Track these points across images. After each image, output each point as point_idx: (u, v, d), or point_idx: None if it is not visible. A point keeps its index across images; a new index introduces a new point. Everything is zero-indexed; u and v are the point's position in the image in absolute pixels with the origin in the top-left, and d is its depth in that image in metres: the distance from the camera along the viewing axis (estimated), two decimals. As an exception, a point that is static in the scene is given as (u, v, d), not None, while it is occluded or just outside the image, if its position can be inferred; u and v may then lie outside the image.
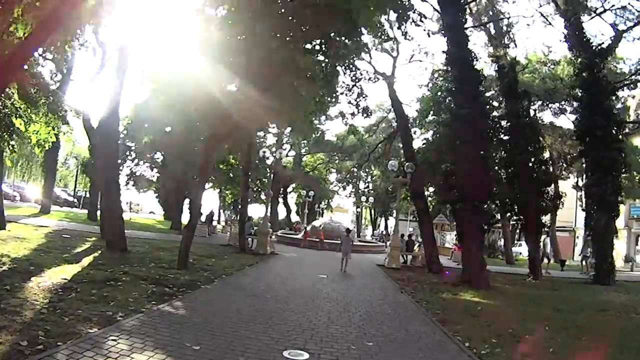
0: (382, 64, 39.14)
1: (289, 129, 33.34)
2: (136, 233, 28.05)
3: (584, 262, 29.98)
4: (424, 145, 31.79)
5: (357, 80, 26.30)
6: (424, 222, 28.70)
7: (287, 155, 62.30)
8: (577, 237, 54.04)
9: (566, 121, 41.00)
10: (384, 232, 70.57)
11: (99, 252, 17.41)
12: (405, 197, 31.98)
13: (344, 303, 13.46)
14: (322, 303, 13.17)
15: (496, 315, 13.12)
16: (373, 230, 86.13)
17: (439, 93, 30.24)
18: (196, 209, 19.39)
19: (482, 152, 21.31)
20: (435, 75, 32.26)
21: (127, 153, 39.79)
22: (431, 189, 33.70)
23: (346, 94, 26.69)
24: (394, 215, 65.29)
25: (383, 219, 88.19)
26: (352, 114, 29.20)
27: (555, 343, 9.84)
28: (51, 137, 24.30)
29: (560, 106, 39.14)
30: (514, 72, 27.20)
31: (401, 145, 35.54)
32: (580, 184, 42.07)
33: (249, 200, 56.40)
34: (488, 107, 23.71)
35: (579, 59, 27.15)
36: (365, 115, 27.89)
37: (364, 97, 26.95)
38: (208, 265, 18.18)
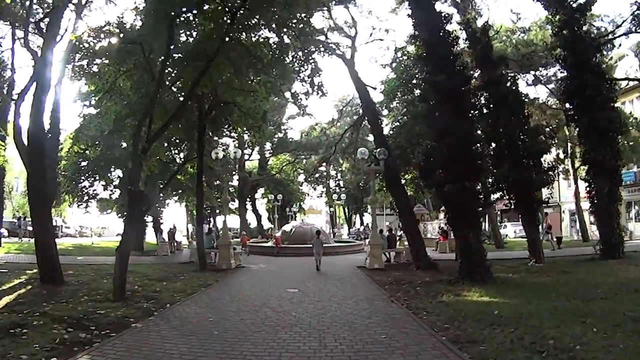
0: (339, 47, 37.27)
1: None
2: (91, 259, 26.12)
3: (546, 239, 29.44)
4: (395, 129, 29.04)
5: (310, 54, 23.14)
6: (405, 213, 25.49)
7: (249, 159, 60.28)
8: (563, 212, 52.74)
9: (541, 93, 39.23)
10: (360, 229, 68.42)
11: (28, 288, 15.31)
12: (380, 188, 28.85)
13: (320, 330, 10.18)
14: (289, 335, 9.84)
15: (520, 319, 10.27)
16: (349, 228, 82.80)
17: (404, 74, 27.82)
18: (129, 225, 15.60)
19: (465, 124, 18.41)
20: (399, 54, 29.30)
21: (79, 173, 36.88)
22: (407, 177, 30.83)
23: (298, 72, 23.59)
24: (369, 210, 63.74)
25: (358, 215, 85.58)
26: (306, 94, 25.79)
27: (623, 353, 7.38)
28: None
29: (536, 75, 37.23)
30: (487, 36, 24.65)
31: (369, 135, 33.36)
32: (562, 156, 40.37)
33: (217, 210, 54.48)
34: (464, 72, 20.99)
35: (557, 16, 24.70)
36: (320, 93, 24.70)
37: (318, 73, 23.82)
38: (154, 292, 15.27)
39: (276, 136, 57.33)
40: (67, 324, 10.15)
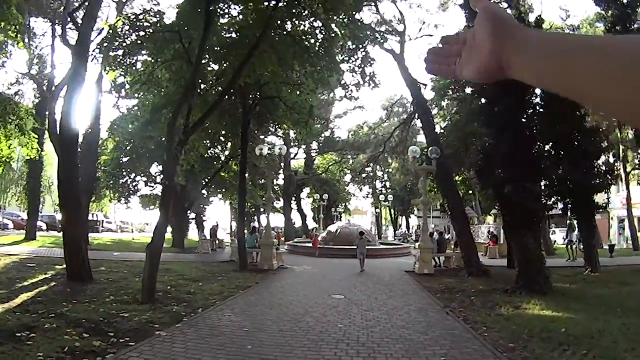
0: (388, 41, 36.21)
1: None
2: (127, 255, 24.82)
3: (569, 248, 28.05)
4: (446, 128, 27.62)
5: (360, 42, 21.76)
6: (457, 216, 23.96)
7: (295, 157, 59.52)
8: (612, 218, 49.69)
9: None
10: (406, 231, 67.08)
11: (52, 284, 14.45)
12: (431, 188, 27.47)
13: (369, 348, 8.88)
14: (334, 352, 8.57)
15: (590, 338, 9.20)
16: (394, 230, 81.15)
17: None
18: (161, 223, 14.47)
19: (526, 120, 17.14)
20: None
21: (119, 168, 36.26)
22: (458, 178, 29.39)
23: (348, 61, 22.20)
24: (416, 212, 62.36)
25: (404, 217, 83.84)
26: (357, 85, 24.35)
27: None
28: (13, 153, 22.18)
29: None
30: (541, 29, 23.06)
31: (418, 135, 32.05)
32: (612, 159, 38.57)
33: (261, 209, 53.79)
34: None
35: (609, 12, 23.44)
36: (372, 85, 23.28)
37: (370, 63, 22.39)
38: (188, 294, 14.19)
39: (323, 135, 56.35)
40: (82, 329, 9.13)
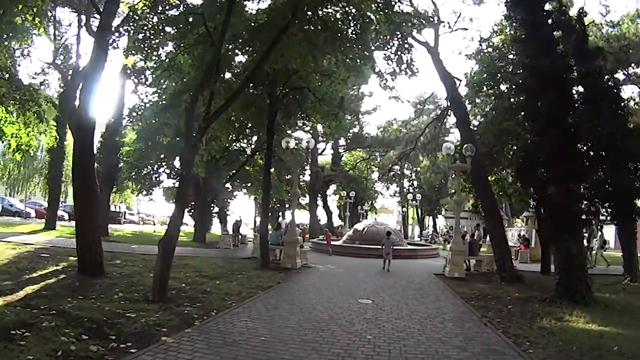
0: (422, 35, 35.60)
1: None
2: (145, 248, 24.07)
3: (589, 254, 25.38)
4: (481, 125, 26.31)
5: (397, 28, 20.56)
6: (492, 217, 22.74)
7: (323, 153, 58.96)
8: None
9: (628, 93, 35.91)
10: (434, 232, 66.06)
11: (61, 277, 13.90)
12: (464, 188, 26.22)
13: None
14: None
15: None
16: (420, 230, 79.79)
17: (491, 66, 24.74)
18: (176, 215, 13.32)
19: (571, 116, 16.18)
20: (484, 45, 26.69)
21: (142, 159, 35.92)
22: (491, 178, 28.14)
23: (383, 48, 21.06)
24: (443, 212, 61.29)
25: (431, 218, 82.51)
26: (393, 73, 23.20)
27: None
28: (33, 141, 21.32)
29: (627, 73, 33.30)
30: (583, 25, 21.72)
31: (450, 132, 30.99)
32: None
33: (286, 205, 53.06)
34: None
35: None
36: (409, 73, 22.11)
37: (406, 49, 21.22)
38: (203, 293, 13.23)
39: (351, 131, 55.60)
40: (83, 329, 8.40)
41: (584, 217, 16.13)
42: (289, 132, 30.40)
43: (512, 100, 22.10)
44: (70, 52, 30.55)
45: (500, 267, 20.98)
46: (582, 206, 15.91)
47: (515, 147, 21.83)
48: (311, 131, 39.64)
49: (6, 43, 18.83)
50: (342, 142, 60.72)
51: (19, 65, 22.72)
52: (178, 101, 18.04)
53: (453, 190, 28.69)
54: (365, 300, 14.05)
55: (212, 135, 21.70)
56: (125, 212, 59.14)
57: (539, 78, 16.20)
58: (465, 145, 22.18)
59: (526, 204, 27.20)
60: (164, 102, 20.84)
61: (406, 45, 20.92)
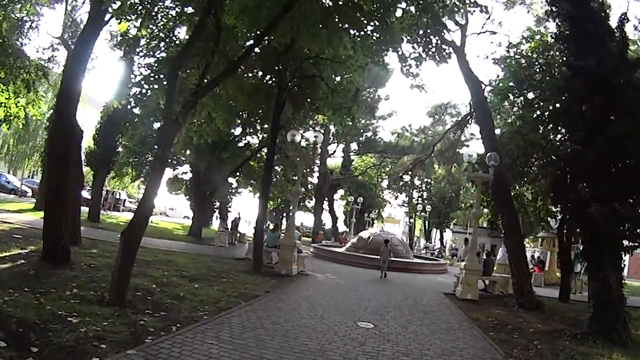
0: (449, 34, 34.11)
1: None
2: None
3: (572, 281, 24.94)
4: (505, 135, 24.28)
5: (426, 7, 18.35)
6: (512, 234, 20.62)
7: (332, 155, 57.89)
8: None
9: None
10: (442, 247, 64.68)
11: (17, 263, 12.34)
12: (482, 201, 24.04)
13: None
14: None
15: None
16: (427, 242, 77.60)
17: (519, 73, 22.83)
18: (147, 200, 10.99)
19: (621, 123, 13.87)
20: (511, 52, 24.80)
21: (142, 145, 34.56)
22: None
23: (409, 31, 18.92)
24: (451, 226, 59.40)
25: (438, 231, 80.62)
26: (418, 59, 21.20)
27: None
28: (21, 112, 21.31)
29: None
30: (623, 32, 19.85)
31: (470, 140, 29.27)
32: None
33: (291, 207, 51.53)
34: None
35: None
36: (439, 59, 20.04)
37: (437, 31, 19.06)
38: (174, 298, 11.17)
39: (364, 134, 54.15)
40: (4, 332, 6.66)
41: (625, 242, 14.04)
42: (298, 128, 28.85)
43: (539, 109, 20.91)
44: (79, 27, 28.60)
45: (518, 291, 18.85)
46: (624, 230, 13.75)
47: (543, 161, 19.82)
48: (322, 130, 38.06)
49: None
50: (353, 146, 59.85)
51: (28, 38, 22.81)
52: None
53: (468, 203, 26.74)
54: (366, 324, 11.70)
55: (204, 117, 19.82)
56: (125, 200, 57.65)
57: (584, 79, 14.27)
58: (488, 154, 20.16)
59: (547, 223, 25.12)
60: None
61: (438, 25, 18.76)
